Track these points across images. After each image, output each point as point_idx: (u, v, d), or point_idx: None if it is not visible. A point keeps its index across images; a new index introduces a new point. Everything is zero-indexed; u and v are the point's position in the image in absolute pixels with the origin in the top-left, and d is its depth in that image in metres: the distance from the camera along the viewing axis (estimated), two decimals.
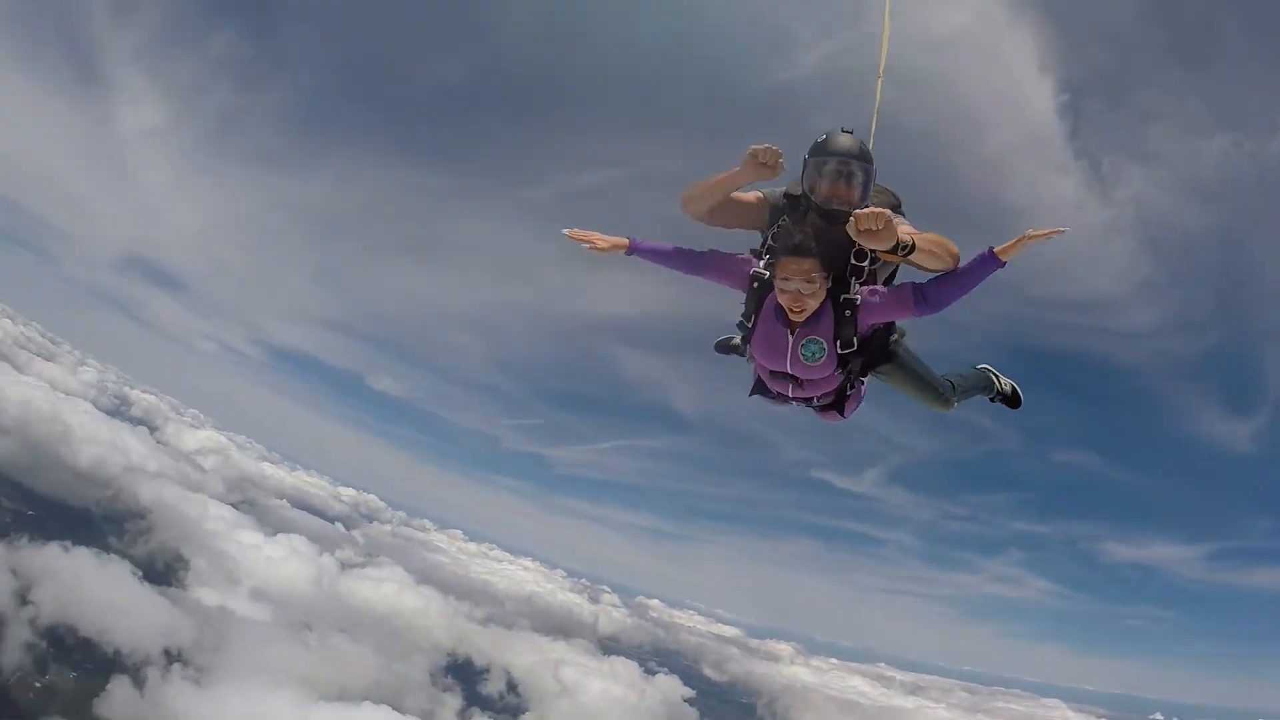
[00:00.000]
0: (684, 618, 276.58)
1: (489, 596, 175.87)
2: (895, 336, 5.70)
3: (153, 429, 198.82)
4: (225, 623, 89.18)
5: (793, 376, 5.47)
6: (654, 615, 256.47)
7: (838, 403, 5.74)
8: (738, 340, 5.79)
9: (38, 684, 66.06)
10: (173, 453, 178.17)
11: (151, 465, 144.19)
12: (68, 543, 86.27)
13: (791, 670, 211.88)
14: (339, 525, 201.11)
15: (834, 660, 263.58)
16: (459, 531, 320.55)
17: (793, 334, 5.26)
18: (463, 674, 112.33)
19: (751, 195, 5.58)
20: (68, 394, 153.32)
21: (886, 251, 4.82)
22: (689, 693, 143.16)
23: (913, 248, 4.83)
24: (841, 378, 5.48)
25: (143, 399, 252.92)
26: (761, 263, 5.36)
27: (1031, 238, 4.63)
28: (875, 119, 5.76)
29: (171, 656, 75.75)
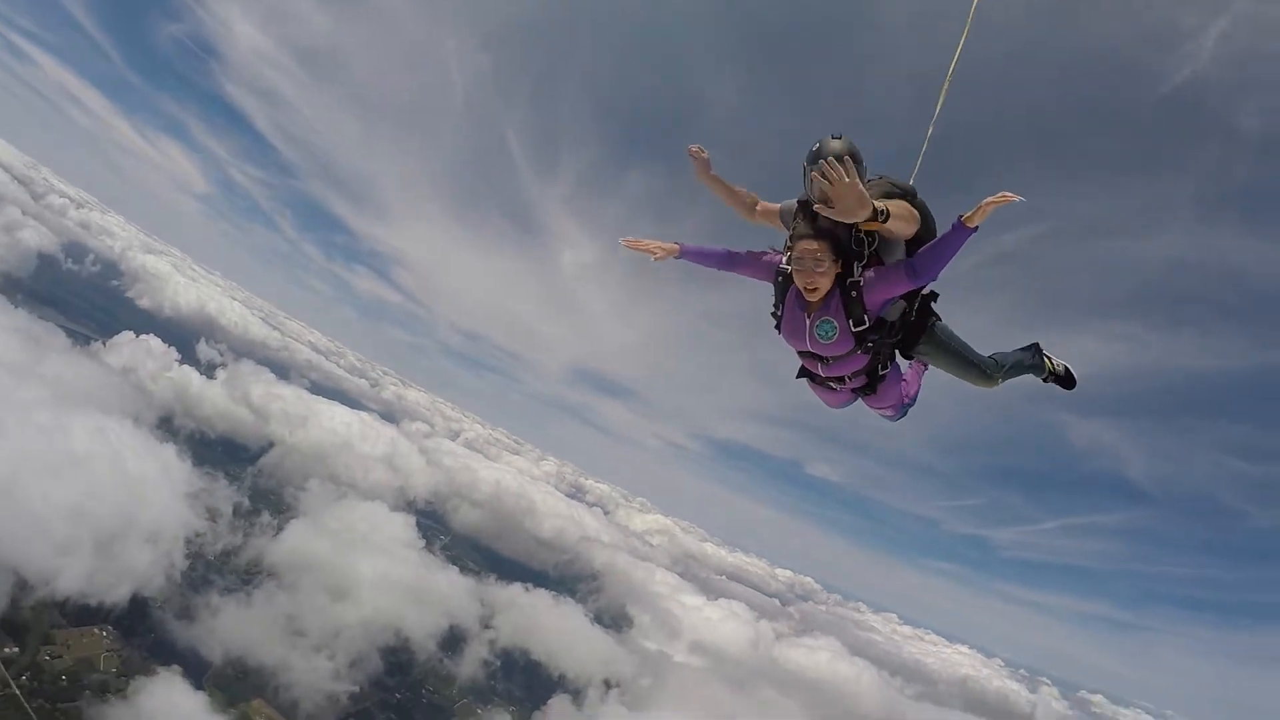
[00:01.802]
0: (1129, 715, 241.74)
1: (922, 676, 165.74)
2: (932, 320, 6.20)
3: (606, 512, 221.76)
4: (663, 665, 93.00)
5: (818, 355, 6.10)
6: (1096, 711, 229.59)
7: (871, 384, 6.25)
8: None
9: (491, 690, 74.69)
10: (623, 531, 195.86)
11: (605, 538, 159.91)
12: (530, 584, 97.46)
13: None
14: (775, 600, 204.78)
15: None
16: (894, 615, 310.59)
17: (809, 316, 5.92)
18: None
19: (775, 205, 6.54)
20: (532, 479, 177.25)
21: (867, 220, 5.27)
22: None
23: (888, 214, 5.24)
24: (868, 357, 6.05)
25: (596, 488, 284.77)
26: (783, 258, 6.06)
27: (991, 204, 4.99)
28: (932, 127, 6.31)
29: (610, 685, 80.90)
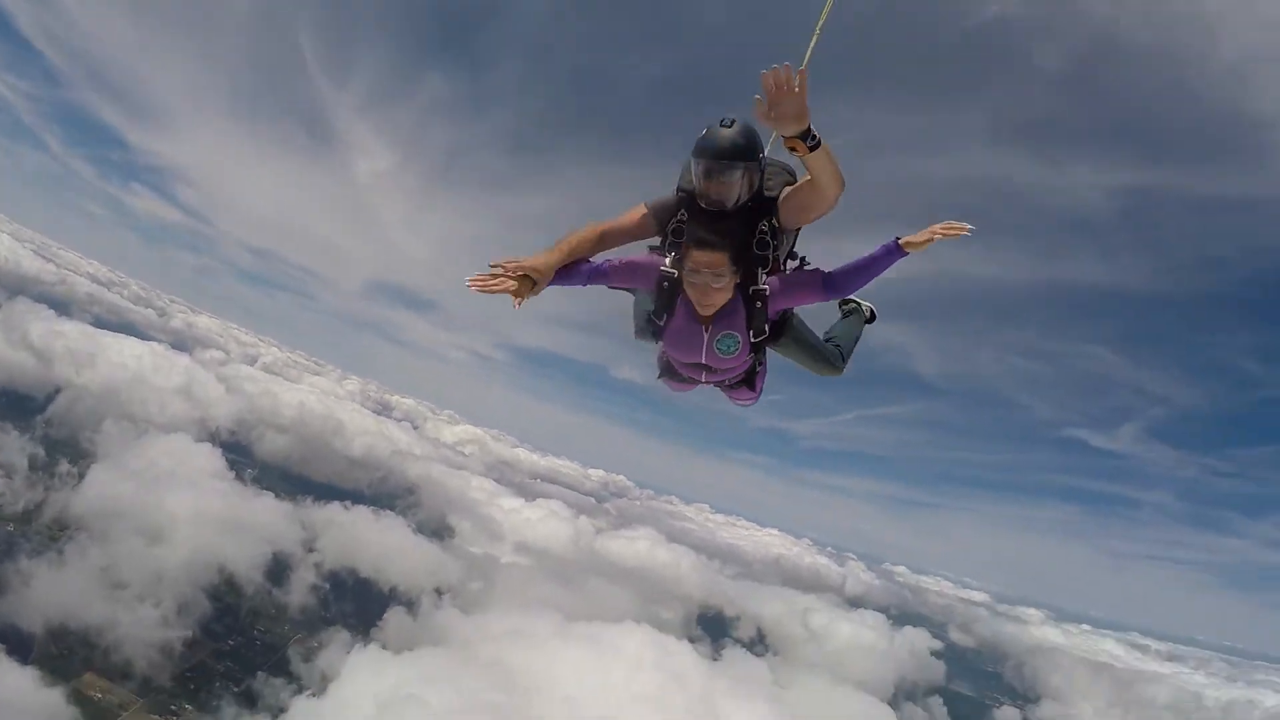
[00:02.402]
0: (931, 583, 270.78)
1: (737, 558, 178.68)
2: (792, 313, 5.79)
3: (415, 426, 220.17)
4: (491, 567, 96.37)
5: (710, 366, 5.63)
6: (900, 579, 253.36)
7: (748, 379, 5.91)
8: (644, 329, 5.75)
9: (323, 615, 74.65)
10: (434, 443, 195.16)
11: (418, 450, 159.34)
12: (348, 502, 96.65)
13: (1041, 632, 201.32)
14: (591, 499, 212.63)
15: (1085, 626, 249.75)
16: (706, 505, 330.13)
17: (707, 330, 5.37)
18: (713, 625, 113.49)
19: (636, 214, 5.46)
20: (337, 399, 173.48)
21: (793, 138, 4.54)
22: (936, 645, 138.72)
23: (819, 142, 4.57)
24: (751, 360, 5.69)
25: (403, 403, 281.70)
26: (668, 260, 5.30)
27: (939, 234, 4.79)
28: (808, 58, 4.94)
29: (441, 592, 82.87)
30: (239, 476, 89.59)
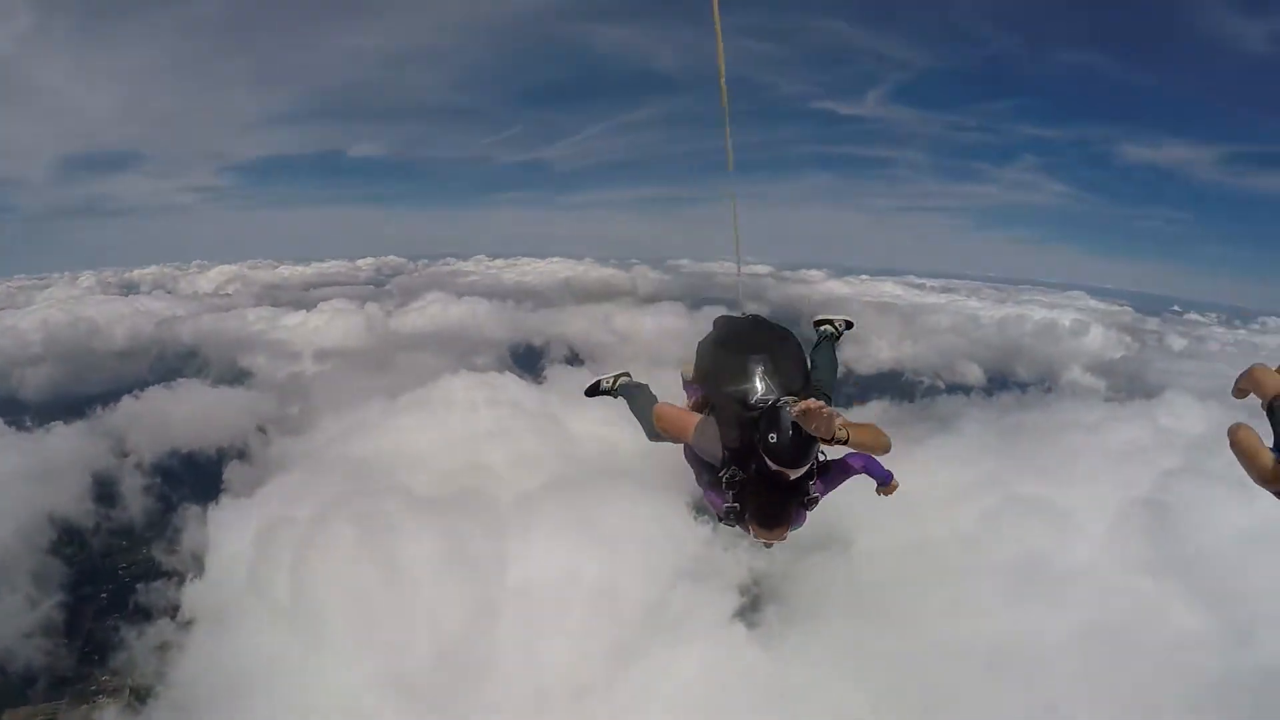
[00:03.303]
0: (716, 268, 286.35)
1: (528, 292, 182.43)
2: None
3: (168, 291, 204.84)
4: (299, 385, 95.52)
5: None
6: (686, 271, 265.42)
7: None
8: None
9: (167, 508, 70.86)
10: (194, 297, 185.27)
11: (181, 311, 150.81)
12: (136, 392, 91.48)
13: (825, 288, 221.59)
14: (370, 286, 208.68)
15: (864, 276, 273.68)
16: (482, 256, 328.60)
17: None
18: (526, 357, 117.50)
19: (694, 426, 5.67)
20: (77, 301, 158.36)
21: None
22: (735, 314, 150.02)
23: (846, 439, 5.05)
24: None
25: (145, 274, 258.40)
26: (730, 500, 5.44)
27: (887, 491, 6.09)
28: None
29: (264, 429, 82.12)
30: (19, 427, 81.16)
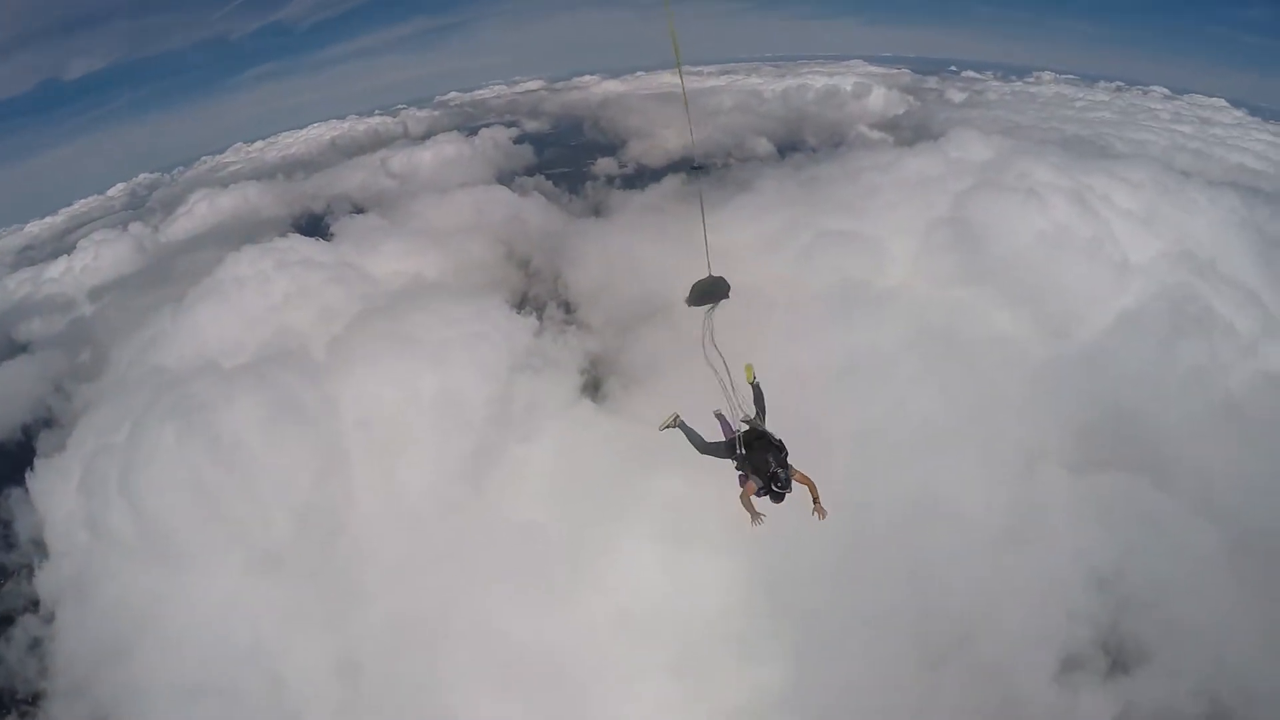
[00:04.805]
0: (486, 93, 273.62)
1: (294, 164, 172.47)
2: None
3: None
4: (83, 330, 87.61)
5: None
6: (456, 103, 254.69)
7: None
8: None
9: None
10: None
11: None
12: None
13: (602, 89, 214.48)
14: (129, 212, 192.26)
15: (639, 73, 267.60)
16: (238, 143, 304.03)
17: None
18: (310, 225, 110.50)
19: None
20: None
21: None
22: (514, 133, 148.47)
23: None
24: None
25: None
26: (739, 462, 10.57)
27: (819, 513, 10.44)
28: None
29: (60, 387, 76.75)
30: None
